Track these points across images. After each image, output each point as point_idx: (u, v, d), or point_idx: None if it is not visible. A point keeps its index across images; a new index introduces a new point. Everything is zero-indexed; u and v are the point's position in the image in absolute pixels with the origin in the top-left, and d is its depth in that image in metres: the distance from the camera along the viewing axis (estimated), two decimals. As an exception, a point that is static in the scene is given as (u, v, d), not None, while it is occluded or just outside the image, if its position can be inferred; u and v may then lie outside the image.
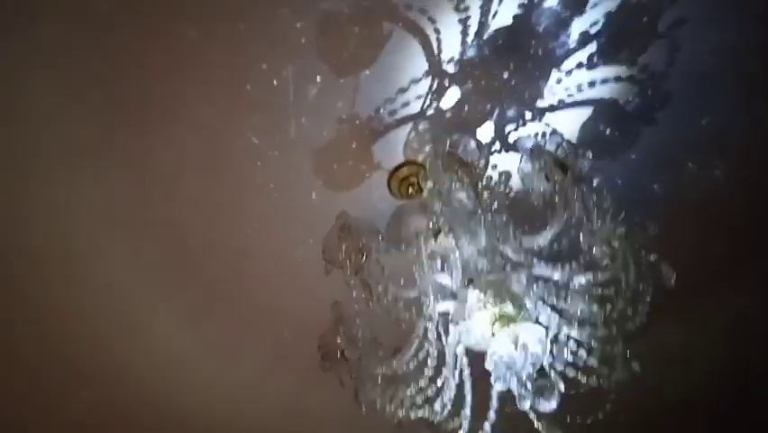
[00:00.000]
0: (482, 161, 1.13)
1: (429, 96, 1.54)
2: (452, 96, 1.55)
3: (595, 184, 1.12)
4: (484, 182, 1.12)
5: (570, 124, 1.61)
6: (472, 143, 1.11)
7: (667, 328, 1.85)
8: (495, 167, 1.18)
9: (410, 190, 1.45)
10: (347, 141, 1.56)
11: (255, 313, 1.85)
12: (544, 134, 1.14)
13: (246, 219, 1.68)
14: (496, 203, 1.13)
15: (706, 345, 2.19)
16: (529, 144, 1.15)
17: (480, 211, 1.10)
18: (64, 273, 1.70)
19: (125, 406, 2.07)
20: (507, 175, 1.17)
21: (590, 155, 1.14)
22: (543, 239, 1.14)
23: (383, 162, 1.58)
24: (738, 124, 1.67)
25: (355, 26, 1.44)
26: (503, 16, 1.46)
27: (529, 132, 1.61)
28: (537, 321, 1.11)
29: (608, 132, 1.62)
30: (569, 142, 1.15)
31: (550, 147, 1.12)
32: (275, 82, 1.49)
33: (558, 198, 1.12)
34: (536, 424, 1.09)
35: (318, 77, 1.47)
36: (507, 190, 1.15)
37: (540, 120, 1.60)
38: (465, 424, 1.10)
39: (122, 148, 1.51)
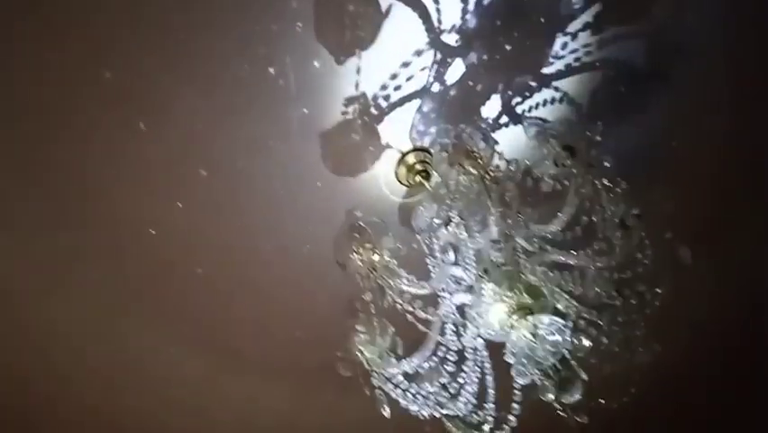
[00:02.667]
0: (489, 151, 1.09)
1: (432, 72, 1.48)
2: (456, 69, 1.49)
3: (607, 165, 1.08)
4: (492, 172, 1.09)
5: (579, 88, 1.54)
6: (478, 135, 1.06)
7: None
8: (501, 155, 1.13)
9: (418, 178, 1.41)
10: (353, 123, 1.51)
11: (264, 313, 1.82)
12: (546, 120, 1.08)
13: (250, 213, 1.64)
14: (506, 193, 1.09)
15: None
16: (534, 130, 1.10)
17: (489, 202, 1.07)
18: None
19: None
20: (515, 163, 1.13)
21: (601, 126, 1.09)
22: (555, 226, 1.11)
23: (392, 143, 1.53)
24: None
25: (351, 4, 1.38)
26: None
27: (537, 100, 1.55)
28: (556, 310, 1.09)
29: (620, 92, 1.55)
30: (576, 121, 1.10)
31: (557, 130, 1.07)
32: (271, 70, 1.44)
33: (568, 184, 1.08)
34: (561, 414, 1.09)
35: (316, 62, 1.42)
36: (517, 178, 1.10)
37: (548, 87, 1.53)
38: (490, 418, 1.10)
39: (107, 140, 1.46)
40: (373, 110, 1.51)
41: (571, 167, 1.08)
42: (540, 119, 1.41)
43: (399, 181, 1.49)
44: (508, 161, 1.11)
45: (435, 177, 1.22)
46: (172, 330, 1.75)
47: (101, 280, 1.63)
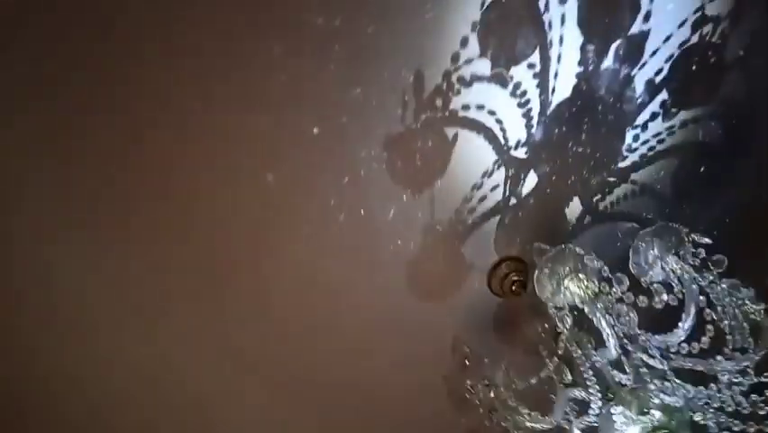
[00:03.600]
0: (594, 271, 1.07)
1: (507, 186, 1.51)
2: (530, 179, 1.51)
3: (723, 268, 1.04)
4: (600, 291, 1.06)
5: (660, 176, 1.53)
6: (591, 262, 1.05)
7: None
8: (605, 271, 1.11)
9: (513, 288, 1.40)
10: (434, 250, 1.54)
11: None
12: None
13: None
14: (619, 314, 1.06)
15: None
16: (632, 234, 1.08)
17: (603, 324, 1.04)
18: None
19: None
20: (620, 278, 1.10)
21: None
22: (677, 336, 1.06)
23: (476, 263, 1.54)
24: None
25: (417, 141, 1.44)
26: (562, 90, 1.41)
27: (618, 195, 1.53)
28: (694, 423, 1.02)
29: (701, 173, 1.52)
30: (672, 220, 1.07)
31: (662, 246, 1.05)
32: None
33: (684, 292, 1.04)
34: None
35: (393, 210, 1.47)
36: (628, 298, 1.07)
37: (626, 181, 1.52)
38: None
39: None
40: (451, 235, 1.54)
41: (681, 272, 1.04)
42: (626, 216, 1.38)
43: (495, 293, 1.48)
44: (613, 278, 1.09)
45: (533, 285, 1.20)
46: None
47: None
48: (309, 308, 1.58)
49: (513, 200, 1.51)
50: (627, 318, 1.01)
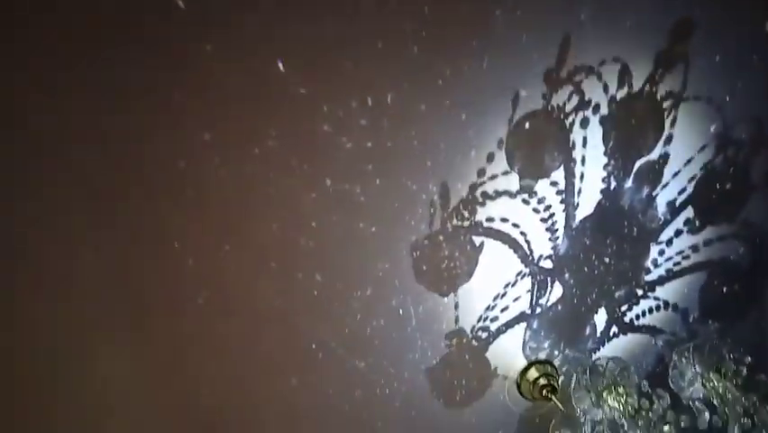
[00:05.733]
0: (633, 385, 1.05)
1: (534, 293, 1.51)
2: (556, 290, 1.52)
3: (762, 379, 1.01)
4: (641, 410, 1.03)
5: (685, 291, 1.53)
6: (632, 376, 1.04)
7: None
8: (646, 387, 1.08)
9: (544, 392, 1.36)
10: (458, 357, 1.52)
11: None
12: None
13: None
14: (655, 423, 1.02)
15: None
16: (672, 351, 1.06)
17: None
18: None
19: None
20: (661, 394, 1.07)
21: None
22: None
23: (500, 368, 1.51)
24: None
25: (446, 249, 1.47)
26: (586, 206, 1.46)
27: (643, 308, 1.53)
28: None
29: (726, 291, 1.52)
30: (709, 336, 1.06)
31: (703, 362, 1.03)
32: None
33: (727, 413, 1.01)
34: None
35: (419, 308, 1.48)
36: (670, 417, 1.04)
37: (652, 293, 1.52)
38: None
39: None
40: (474, 342, 1.53)
41: (724, 390, 1.02)
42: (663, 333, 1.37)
43: (524, 397, 1.44)
44: (653, 393, 1.06)
45: (563, 392, 1.17)
46: None
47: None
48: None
49: (539, 309, 1.51)
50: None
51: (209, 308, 1.29)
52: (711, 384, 1.05)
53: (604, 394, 1.08)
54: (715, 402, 1.05)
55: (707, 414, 1.01)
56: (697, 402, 1.04)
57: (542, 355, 1.53)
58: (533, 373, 1.47)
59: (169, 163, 1.10)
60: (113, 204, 1.13)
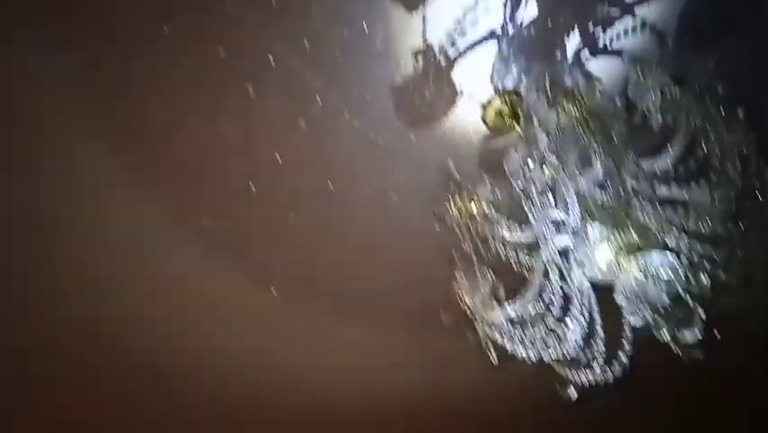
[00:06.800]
0: (591, 88, 1.04)
1: (507, 11, 1.42)
2: (531, 7, 1.43)
3: (720, 91, 1.01)
4: (591, 108, 1.04)
5: (664, 14, 1.45)
6: (577, 71, 1.01)
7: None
8: (601, 86, 1.07)
9: (507, 121, 1.36)
10: (424, 76, 1.48)
11: (362, 256, 1.80)
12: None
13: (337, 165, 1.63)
14: (609, 129, 1.04)
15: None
16: (634, 60, 1.03)
17: (594, 141, 1.02)
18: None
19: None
20: (617, 97, 1.07)
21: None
22: (666, 160, 1.05)
23: (466, 90, 1.49)
24: None
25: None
26: None
27: (619, 30, 1.46)
28: (666, 247, 1.05)
29: (709, 15, 1.45)
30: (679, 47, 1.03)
31: (661, 57, 1.01)
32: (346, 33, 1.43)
33: (678, 114, 1.02)
34: (677, 352, 1.06)
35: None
36: (619, 113, 1.05)
37: (630, 14, 1.44)
38: (600, 358, 1.09)
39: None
40: (442, 59, 1.47)
41: (681, 96, 1.01)
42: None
43: (488, 127, 1.44)
44: (610, 94, 1.05)
45: (527, 118, 1.17)
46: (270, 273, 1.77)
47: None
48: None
49: (510, 28, 1.43)
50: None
51: None
52: (671, 97, 1.04)
53: (563, 101, 1.08)
54: (669, 114, 1.05)
55: (659, 117, 1.02)
56: (652, 110, 1.05)
57: (509, 84, 1.48)
58: (497, 101, 1.43)
59: None
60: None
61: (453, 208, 1.15)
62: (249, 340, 1.85)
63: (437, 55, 1.47)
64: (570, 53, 1.42)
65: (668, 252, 1.04)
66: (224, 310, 1.82)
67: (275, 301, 1.77)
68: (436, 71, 1.49)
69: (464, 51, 1.47)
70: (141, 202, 1.59)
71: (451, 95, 1.48)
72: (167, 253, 1.70)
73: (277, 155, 1.53)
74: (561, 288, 1.10)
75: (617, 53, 1.31)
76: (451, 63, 1.47)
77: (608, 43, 1.47)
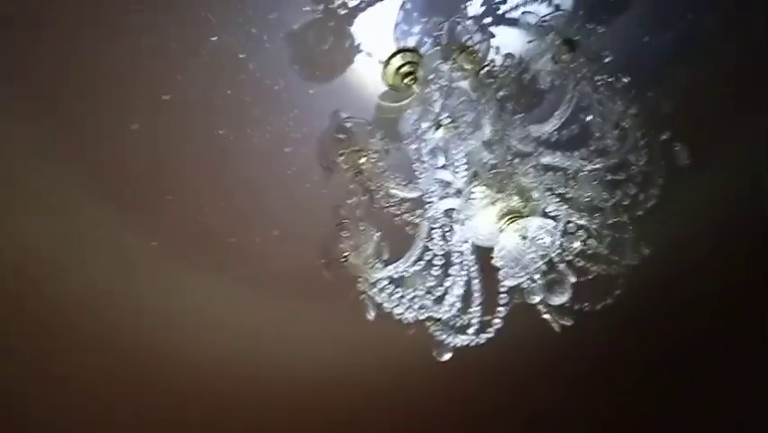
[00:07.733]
0: (484, 46, 1.02)
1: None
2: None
3: (607, 60, 1.02)
4: (487, 68, 1.02)
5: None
6: (474, 26, 0.99)
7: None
8: (498, 50, 1.06)
9: (406, 80, 1.32)
10: (322, 23, 1.40)
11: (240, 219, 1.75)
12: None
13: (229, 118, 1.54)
14: (501, 90, 1.03)
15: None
16: (533, 21, 1.02)
17: (483, 100, 1.01)
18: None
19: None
20: (510, 58, 1.06)
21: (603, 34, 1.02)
22: (550, 126, 1.06)
23: (364, 44, 1.43)
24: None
25: None
26: None
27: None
28: (545, 213, 1.07)
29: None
30: (576, 15, 1.03)
31: (556, 23, 1.00)
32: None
33: (567, 81, 1.03)
34: (547, 316, 1.09)
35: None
36: (512, 75, 1.04)
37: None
38: (475, 320, 1.10)
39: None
40: (341, 10, 1.40)
41: (570, 62, 1.02)
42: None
43: (387, 85, 1.40)
44: (505, 56, 1.04)
45: (425, 78, 1.14)
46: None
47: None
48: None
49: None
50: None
51: None
52: (562, 62, 1.05)
53: (459, 59, 1.05)
54: (558, 79, 1.06)
55: (549, 80, 1.02)
56: (543, 73, 1.05)
57: (411, 42, 1.44)
58: (398, 59, 1.39)
59: None
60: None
61: (343, 163, 1.11)
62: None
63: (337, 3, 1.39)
64: (471, 13, 1.39)
65: (547, 218, 1.05)
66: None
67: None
68: (336, 21, 1.41)
69: (368, 4, 1.41)
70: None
71: (350, 48, 1.42)
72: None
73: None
74: (442, 248, 1.09)
75: (514, 21, 1.30)
76: (351, 14, 1.40)
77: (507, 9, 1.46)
